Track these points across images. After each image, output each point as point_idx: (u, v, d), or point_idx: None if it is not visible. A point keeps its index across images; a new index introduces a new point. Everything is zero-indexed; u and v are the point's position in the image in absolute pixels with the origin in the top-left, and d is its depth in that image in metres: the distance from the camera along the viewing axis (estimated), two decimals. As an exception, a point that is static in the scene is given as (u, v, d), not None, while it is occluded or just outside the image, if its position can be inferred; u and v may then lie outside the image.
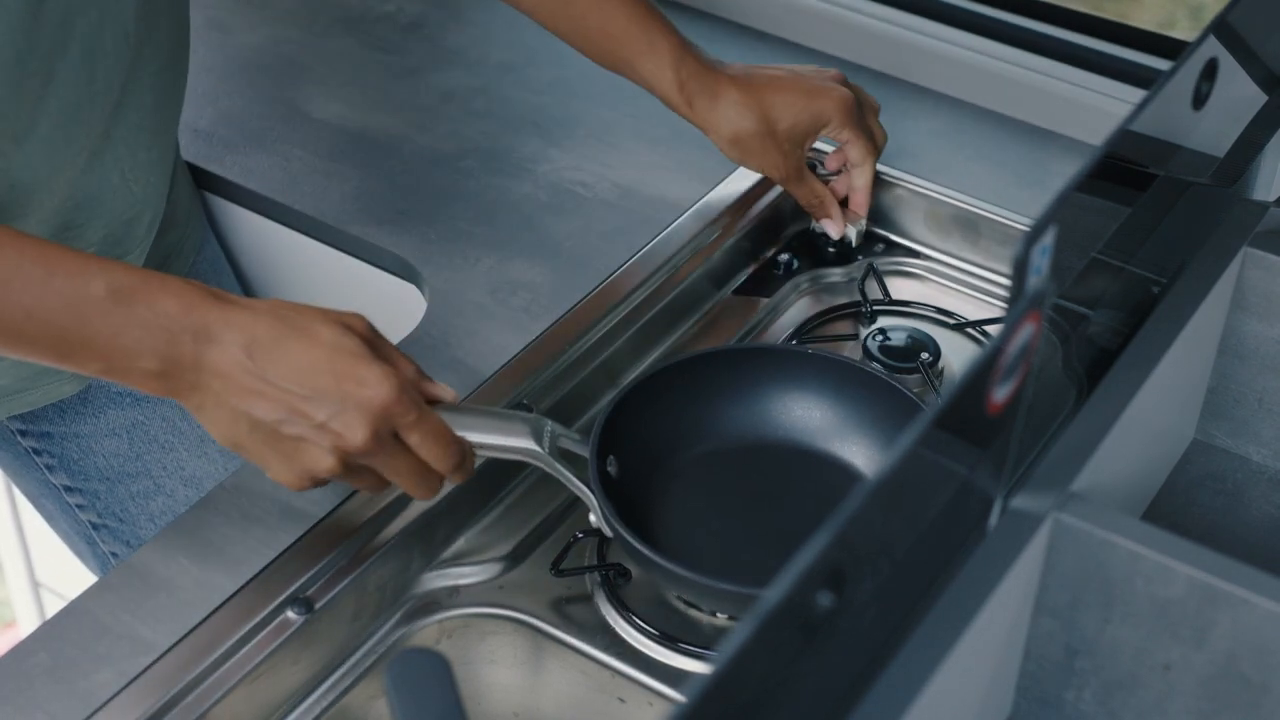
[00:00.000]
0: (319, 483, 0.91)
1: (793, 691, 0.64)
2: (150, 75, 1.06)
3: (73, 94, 0.99)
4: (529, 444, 0.97)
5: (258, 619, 0.94)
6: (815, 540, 0.60)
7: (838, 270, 1.26)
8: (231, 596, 0.95)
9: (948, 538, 0.75)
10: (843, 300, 1.24)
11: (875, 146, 1.22)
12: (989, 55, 1.39)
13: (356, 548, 0.98)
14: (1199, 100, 0.87)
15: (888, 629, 0.72)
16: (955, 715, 0.78)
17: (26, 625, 1.89)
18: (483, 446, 0.95)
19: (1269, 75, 0.97)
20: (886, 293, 1.24)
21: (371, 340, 0.91)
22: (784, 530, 1.03)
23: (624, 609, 1.00)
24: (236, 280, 1.33)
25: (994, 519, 0.79)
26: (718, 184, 1.27)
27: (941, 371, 1.16)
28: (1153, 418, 0.94)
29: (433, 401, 0.93)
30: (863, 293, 1.23)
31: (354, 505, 1.00)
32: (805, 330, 1.21)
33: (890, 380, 1.06)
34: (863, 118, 1.20)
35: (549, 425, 0.98)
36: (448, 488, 0.98)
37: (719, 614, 1.00)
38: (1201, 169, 0.95)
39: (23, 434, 1.19)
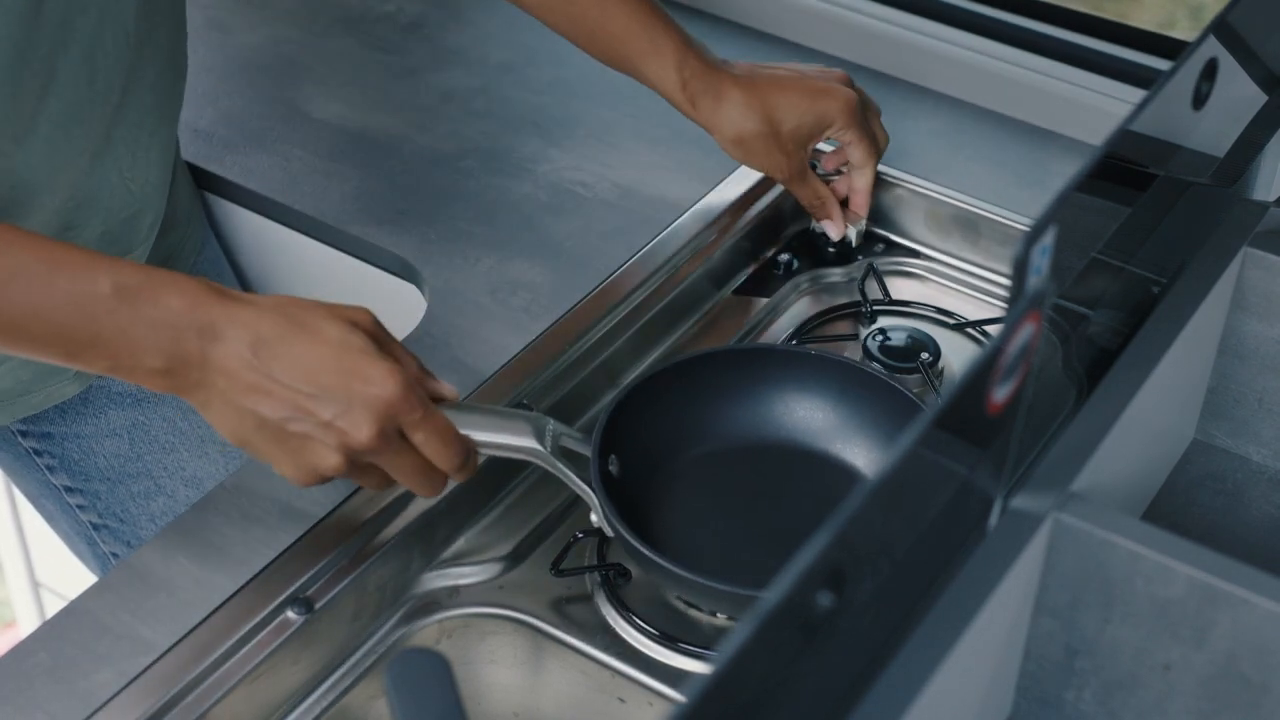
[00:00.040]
0: (325, 479, 0.91)
1: (793, 691, 0.64)
2: (150, 75, 1.06)
3: (73, 94, 0.99)
4: (531, 443, 0.97)
5: (258, 619, 0.94)
6: (815, 540, 0.60)
7: (838, 270, 1.26)
8: (231, 596, 0.95)
9: (948, 538, 0.75)
10: (843, 300, 1.24)
11: (877, 149, 1.22)
12: (989, 55, 1.39)
13: (356, 548, 0.98)
14: (1199, 100, 0.87)
15: (888, 629, 0.72)
16: (955, 715, 0.78)
17: (26, 625, 1.89)
18: (485, 445, 0.95)
19: (1269, 75, 0.97)
20: (886, 293, 1.24)
21: (377, 336, 0.91)
22: (784, 530, 1.03)
23: (624, 609, 1.00)
24: (237, 280, 1.33)
25: (994, 519, 0.79)
26: (718, 184, 1.27)
27: (941, 371, 1.16)
28: (1153, 418, 0.94)
29: (436, 399, 0.94)
30: (863, 293, 1.23)
31: (354, 505, 1.00)
32: (805, 330, 1.21)
33: (890, 380, 1.06)
34: (866, 119, 1.20)
35: (551, 424, 0.98)
36: (450, 485, 0.98)
37: (719, 614, 1.00)
38: (1201, 169, 0.95)
39: (23, 434, 1.19)
